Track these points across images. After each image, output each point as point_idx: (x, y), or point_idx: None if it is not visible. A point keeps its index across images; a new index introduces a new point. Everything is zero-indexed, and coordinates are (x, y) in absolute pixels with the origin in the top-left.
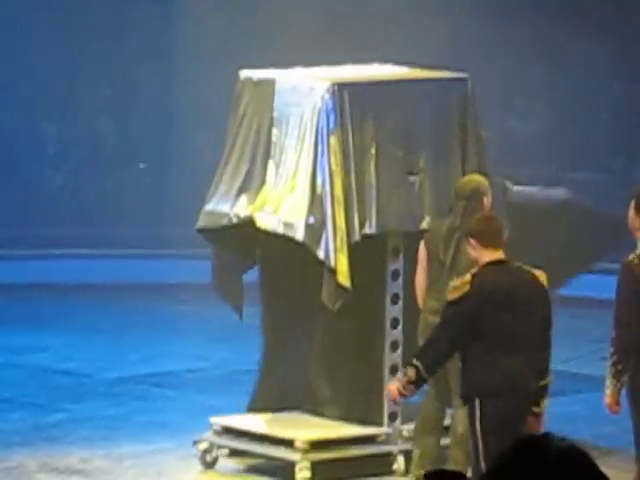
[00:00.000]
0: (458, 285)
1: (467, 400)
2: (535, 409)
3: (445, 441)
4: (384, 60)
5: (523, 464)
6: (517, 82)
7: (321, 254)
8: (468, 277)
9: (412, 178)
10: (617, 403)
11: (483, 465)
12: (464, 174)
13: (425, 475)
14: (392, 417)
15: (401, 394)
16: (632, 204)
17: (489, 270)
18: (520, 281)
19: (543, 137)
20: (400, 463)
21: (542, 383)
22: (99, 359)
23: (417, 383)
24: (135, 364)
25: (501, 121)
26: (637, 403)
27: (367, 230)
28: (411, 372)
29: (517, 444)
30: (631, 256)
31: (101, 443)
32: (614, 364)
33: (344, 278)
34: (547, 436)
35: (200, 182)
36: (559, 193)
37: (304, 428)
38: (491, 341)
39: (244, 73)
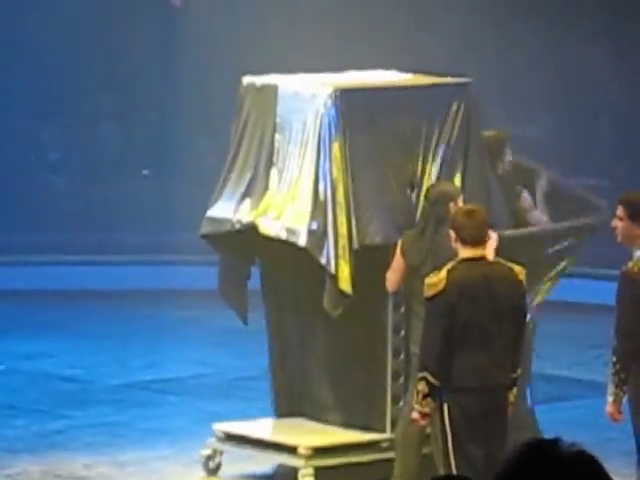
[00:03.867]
0: (434, 282)
1: (436, 395)
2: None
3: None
4: (387, 66)
5: (532, 469)
6: (518, 88)
7: (323, 260)
8: (444, 273)
9: (413, 187)
10: (619, 412)
11: (453, 462)
12: (466, 179)
13: None
14: (394, 423)
15: (423, 414)
16: (623, 212)
17: (464, 266)
18: (494, 276)
19: (545, 143)
20: None
21: (513, 376)
22: (102, 365)
23: (432, 393)
24: (138, 370)
25: (502, 127)
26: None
27: (370, 238)
28: (421, 386)
29: (526, 448)
30: (630, 264)
31: (104, 449)
32: (617, 373)
33: (345, 284)
34: (556, 441)
35: (203, 188)
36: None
37: (307, 434)
38: (462, 336)
39: (247, 79)
